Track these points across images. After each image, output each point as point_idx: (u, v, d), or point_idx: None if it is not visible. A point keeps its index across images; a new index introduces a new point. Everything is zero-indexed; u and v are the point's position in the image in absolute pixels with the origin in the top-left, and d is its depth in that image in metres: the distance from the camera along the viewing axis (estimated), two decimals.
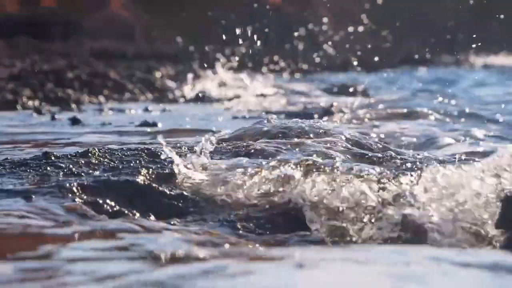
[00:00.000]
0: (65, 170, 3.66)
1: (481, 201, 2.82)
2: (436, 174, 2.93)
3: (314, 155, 3.53)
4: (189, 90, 12.16)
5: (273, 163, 3.41)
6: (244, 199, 3.27)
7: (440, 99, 10.19)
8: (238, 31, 10.99)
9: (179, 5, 40.82)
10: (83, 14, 39.00)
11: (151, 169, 3.59)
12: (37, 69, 14.89)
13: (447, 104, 9.67)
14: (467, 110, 8.56)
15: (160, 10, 40.80)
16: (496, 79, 20.88)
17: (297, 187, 3.17)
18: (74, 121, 6.55)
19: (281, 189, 3.26)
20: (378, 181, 3.10)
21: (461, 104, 9.95)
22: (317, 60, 29.57)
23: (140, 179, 3.42)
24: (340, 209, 2.94)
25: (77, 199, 3.11)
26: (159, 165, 3.74)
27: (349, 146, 4.09)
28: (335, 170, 3.19)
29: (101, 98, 10.76)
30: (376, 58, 30.04)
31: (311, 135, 4.27)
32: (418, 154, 3.98)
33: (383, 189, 3.04)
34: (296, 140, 4.07)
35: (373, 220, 2.89)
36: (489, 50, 36.79)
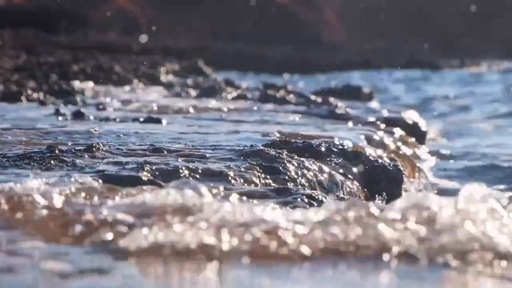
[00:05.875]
0: (69, 164, 3.65)
1: None
2: None
3: None
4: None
5: None
6: None
7: None
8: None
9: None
10: (89, 7, 38.99)
11: (154, 165, 3.57)
12: (42, 61, 14.88)
13: None
14: None
15: (167, 5, 40.75)
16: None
17: None
18: (78, 115, 6.53)
19: None
20: None
21: None
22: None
23: (143, 174, 3.41)
24: None
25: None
26: (163, 161, 3.73)
27: None
28: None
29: (106, 92, 10.75)
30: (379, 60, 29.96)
31: None
32: None
33: None
34: None
35: None
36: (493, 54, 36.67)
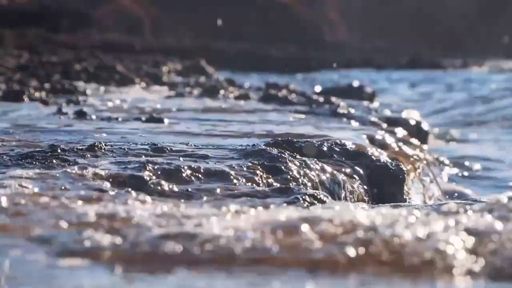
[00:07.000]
0: (71, 163, 3.65)
1: None
2: None
3: None
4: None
5: None
6: None
7: None
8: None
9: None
10: (91, 6, 39.02)
11: (156, 165, 3.57)
12: (44, 61, 14.90)
13: None
14: None
15: (170, 5, 40.76)
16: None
17: None
18: (80, 114, 6.53)
19: None
20: None
21: None
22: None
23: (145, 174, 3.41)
24: None
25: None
26: (165, 161, 3.73)
27: None
28: None
29: (108, 91, 10.76)
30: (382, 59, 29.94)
31: None
32: None
33: None
34: None
35: None
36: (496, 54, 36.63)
